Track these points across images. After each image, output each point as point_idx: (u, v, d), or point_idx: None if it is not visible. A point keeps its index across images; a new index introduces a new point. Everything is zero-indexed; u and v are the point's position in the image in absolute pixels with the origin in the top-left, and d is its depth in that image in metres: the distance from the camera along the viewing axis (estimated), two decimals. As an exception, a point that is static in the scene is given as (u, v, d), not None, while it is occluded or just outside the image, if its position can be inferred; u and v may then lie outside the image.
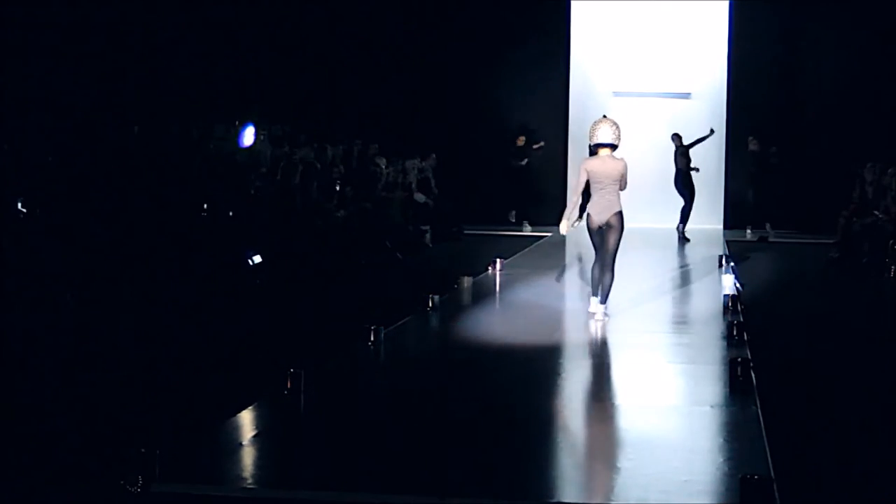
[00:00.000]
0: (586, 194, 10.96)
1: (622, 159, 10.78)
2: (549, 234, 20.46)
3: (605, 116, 11.42)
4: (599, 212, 10.70)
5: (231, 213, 12.78)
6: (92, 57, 16.67)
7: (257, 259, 12.41)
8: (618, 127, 10.85)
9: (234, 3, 20.92)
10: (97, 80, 16.34)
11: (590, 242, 10.97)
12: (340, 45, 21.90)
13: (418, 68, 22.02)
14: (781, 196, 20.75)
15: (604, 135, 10.75)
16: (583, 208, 11.13)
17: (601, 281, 10.84)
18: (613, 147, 10.77)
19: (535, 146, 21.61)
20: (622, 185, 10.73)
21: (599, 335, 10.65)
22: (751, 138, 20.84)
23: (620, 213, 10.73)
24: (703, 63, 21.94)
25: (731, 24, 21.86)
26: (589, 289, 11.16)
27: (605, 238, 10.73)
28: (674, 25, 21.98)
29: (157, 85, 17.75)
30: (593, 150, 11.11)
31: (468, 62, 21.94)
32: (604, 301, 10.89)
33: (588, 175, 10.74)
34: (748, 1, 21.63)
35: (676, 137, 19.93)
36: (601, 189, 10.72)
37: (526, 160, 21.45)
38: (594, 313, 10.87)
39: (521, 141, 21.52)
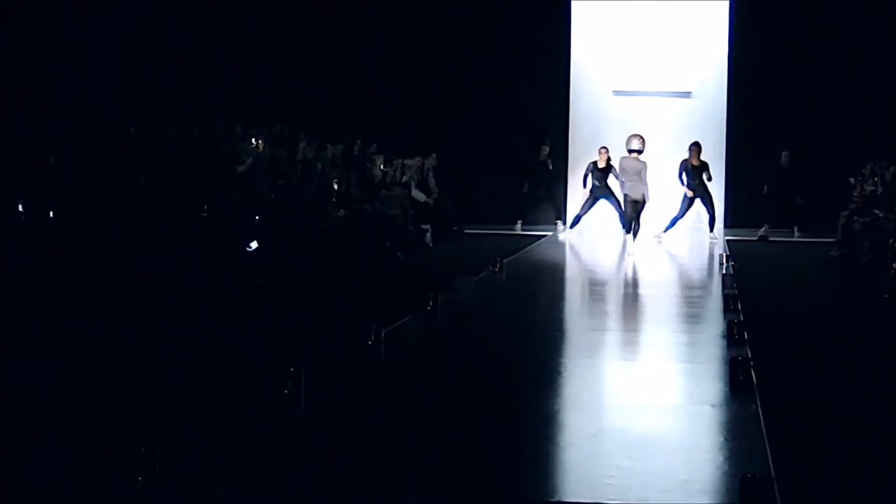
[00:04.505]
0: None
1: (644, 161, 17.99)
2: (549, 234, 20.50)
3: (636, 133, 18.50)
4: (630, 192, 17.76)
5: (230, 214, 12.78)
6: (93, 57, 16.67)
7: (254, 245, 12.42)
8: (643, 139, 18.20)
9: (234, 2, 20.93)
10: (97, 80, 16.34)
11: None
12: (340, 44, 21.89)
13: (418, 68, 22.02)
14: (782, 195, 20.75)
15: (633, 144, 18.04)
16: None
17: (634, 229, 17.63)
18: (640, 152, 18.03)
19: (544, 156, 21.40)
20: (643, 174, 17.76)
21: (598, 334, 10.67)
22: (784, 153, 20.65)
23: (643, 194, 17.79)
24: (704, 62, 21.92)
25: (732, 22, 21.85)
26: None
27: (634, 207, 17.66)
28: (674, 24, 21.97)
29: (158, 85, 17.75)
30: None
31: (468, 61, 21.93)
32: (634, 238, 17.64)
33: (622, 169, 17.95)
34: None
35: (697, 148, 19.75)
36: (631, 178, 17.79)
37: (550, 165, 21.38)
38: (631, 252, 17.30)
39: (546, 152, 21.35)
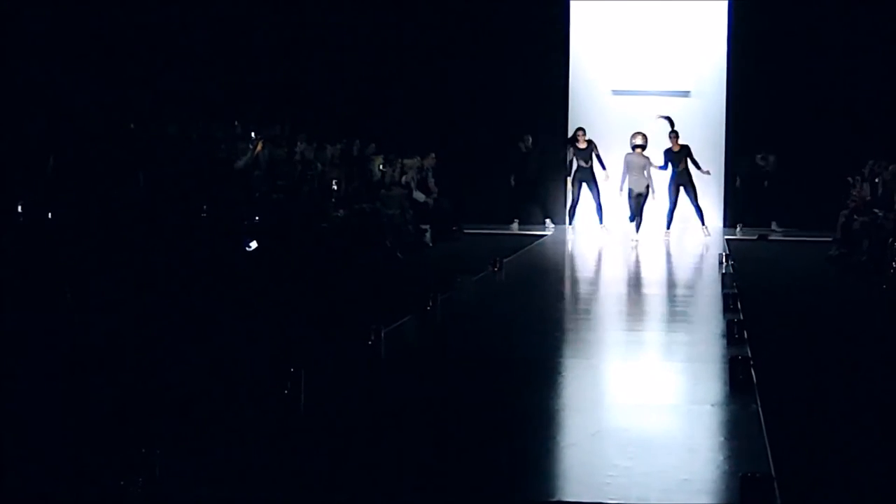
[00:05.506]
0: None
1: (647, 156, 19.00)
2: (549, 233, 20.51)
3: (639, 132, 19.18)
4: (634, 185, 18.82)
5: (230, 214, 12.77)
6: (92, 57, 16.66)
7: (253, 245, 12.43)
8: (645, 136, 19.06)
9: (233, 2, 20.93)
10: (97, 80, 16.33)
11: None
12: (340, 45, 21.89)
13: (418, 67, 22.02)
14: (781, 194, 20.79)
15: (637, 140, 18.90)
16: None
17: (638, 221, 18.77)
18: (643, 147, 18.90)
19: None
20: (647, 169, 18.86)
21: (598, 334, 10.67)
22: (759, 156, 21.02)
23: (647, 187, 18.86)
24: (702, 61, 21.93)
25: (731, 21, 21.86)
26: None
27: (638, 201, 18.74)
28: (673, 24, 21.98)
29: (157, 85, 17.74)
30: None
31: (468, 61, 21.92)
32: (637, 230, 18.81)
33: (627, 164, 18.85)
34: (747, -1, 21.67)
35: (675, 135, 20.06)
36: (636, 172, 18.79)
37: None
38: (635, 241, 18.62)
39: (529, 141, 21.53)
